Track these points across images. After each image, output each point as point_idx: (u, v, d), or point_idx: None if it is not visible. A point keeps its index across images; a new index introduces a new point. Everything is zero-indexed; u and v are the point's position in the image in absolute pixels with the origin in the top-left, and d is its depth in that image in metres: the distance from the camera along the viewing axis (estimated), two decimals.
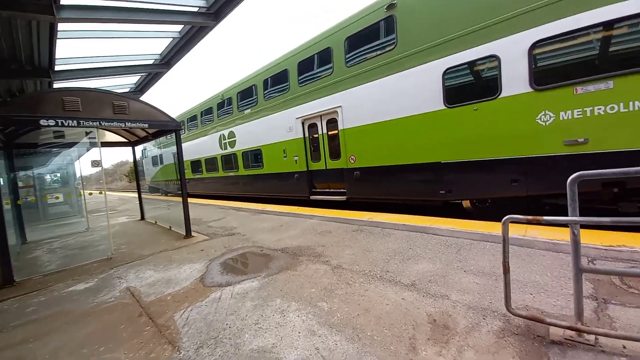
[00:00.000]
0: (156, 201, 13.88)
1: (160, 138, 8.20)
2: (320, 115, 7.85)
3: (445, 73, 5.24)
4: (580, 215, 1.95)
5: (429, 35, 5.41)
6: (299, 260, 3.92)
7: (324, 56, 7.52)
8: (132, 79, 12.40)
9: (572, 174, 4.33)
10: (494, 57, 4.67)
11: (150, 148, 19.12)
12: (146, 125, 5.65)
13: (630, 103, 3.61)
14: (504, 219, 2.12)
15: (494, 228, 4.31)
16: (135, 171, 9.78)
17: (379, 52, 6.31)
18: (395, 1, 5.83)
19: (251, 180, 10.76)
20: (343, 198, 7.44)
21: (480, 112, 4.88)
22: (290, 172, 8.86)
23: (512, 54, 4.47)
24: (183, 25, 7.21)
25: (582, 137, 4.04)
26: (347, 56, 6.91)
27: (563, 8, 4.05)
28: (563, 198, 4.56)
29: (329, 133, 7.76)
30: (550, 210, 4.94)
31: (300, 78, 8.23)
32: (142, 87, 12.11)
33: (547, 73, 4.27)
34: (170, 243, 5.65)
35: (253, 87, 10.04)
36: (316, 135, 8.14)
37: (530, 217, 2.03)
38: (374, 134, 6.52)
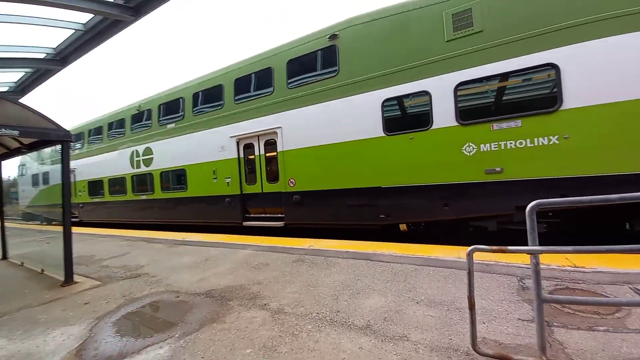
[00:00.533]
0: (32, 232, 10.58)
1: (46, 151, 6.29)
2: (258, 136, 7.33)
3: (384, 103, 5.48)
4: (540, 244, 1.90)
5: (370, 67, 5.69)
6: (228, 306, 3.12)
7: (264, 76, 7.22)
8: (13, 76, 9.72)
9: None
10: (426, 93, 5.10)
11: (32, 164, 15.06)
12: (16, 132, 4.15)
13: (535, 139, 4.28)
14: (469, 250, 1.96)
15: (432, 251, 4.37)
16: None
17: (321, 78, 6.34)
18: (337, 33, 6.04)
19: (171, 204, 9.19)
20: (280, 224, 6.85)
21: (416, 141, 5.18)
22: (220, 196, 7.85)
23: (441, 91, 4.96)
24: (93, 15, 5.93)
25: (499, 166, 4.57)
26: (289, 78, 6.76)
27: (477, 58, 4.70)
28: (486, 220, 5.01)
29: (267, 154, 7.25)
30: (474, 232, 5.39)
31: (237, 95, 7.67)
32: (24, 86, 9.55)
33: (469, 110, 4.84)
34: (38, 294, 4.02)
35: (180, 100, 8.92)
36: (252, 157, 7.51)
37: (495, 248, 1.91)
38: (315, 158, 6.31)
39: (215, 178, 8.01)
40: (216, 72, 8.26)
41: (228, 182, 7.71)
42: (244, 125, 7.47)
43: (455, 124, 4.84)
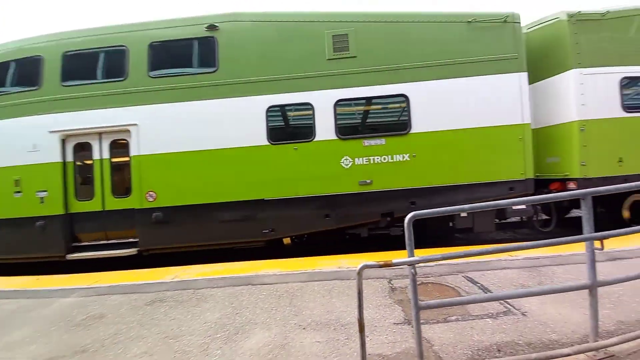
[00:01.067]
0: None
1: None
2: (101, 133, 5.47)
3: (269, 110, 5.21)
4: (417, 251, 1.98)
5: (255, 70, 5.30)
6: None
7: (114, 56, 5.54)
8: None
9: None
10: (310, 105, 5.18)
11: None
12: None
13: (395, 156, 5.07)
14: (358, 268, 1.82)
15: (315, 264, 4.32)
16: None
17: (195, 72, 5.43)
18: (217, 24, 5.35)
19: None
20: (132, 251, 5.24)
21: (300, 152, 5.15)
22: (26, 218, 5.30)
23: (323, 106, 5.16)
24: None
25: (369, 178, 5.11)
26: (152, 65, 5.43)
27: (352, 80, 5.17)
28: (359, 227, 5.45)
29: (114, 159, 5.50)
30: (350, 240, 5.82)
31: (66, 75, 5.52)
32: None
33: (346, 126, 5.24)
34: None
35: None
36: (89, 161, 5.52)
37: (382, 262, 1.86)
38: (185, 165, 5.23)
39: (19, 192, 5.37)
40: (34, 39, 5.72)
41: (42, 198, 5.30)
42: (75, 117, 5.41)
43: (335, 137, 5.13)
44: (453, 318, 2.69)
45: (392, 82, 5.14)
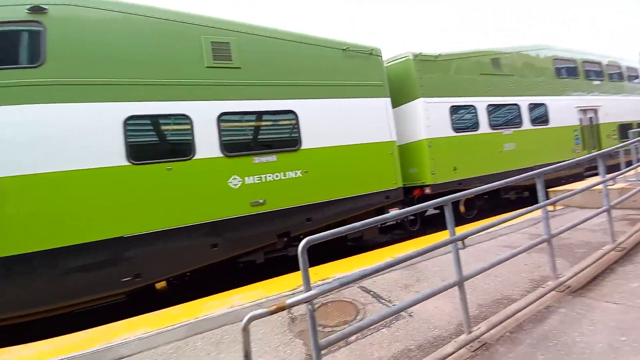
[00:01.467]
0: None
1: None
2: None
3: (128, 121, 4.09)
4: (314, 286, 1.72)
5: (105, 69, 4.12)
6: None
7: None
8: None
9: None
10: (186, 117, 4.41)
11: None
12: None
13: (287, 173, 4.90)
14: (244, 322, 1.39)
15: (200, 309, 3.52)
16: None
17: (6, 66, 3.77)
18: (46, 7, 3.90)
19: None
20: None
21: (175, 172, 4.24)
22: None
23: (203, 119, 4.49)
24: None
25: (261, 198, 4.72)
26: None
27: (237, 92, 4.78)
28: (254, 253, 4.94)
29: None
30: (244, 267, 5.20)
31: None
32: None
33: (233, 141, 4.72)
34: None
35: None
36: None
37: (273, 308, 1.49)
38: None
39: None
40: None
41: None
42: None
43: (220, 155, 4.52)
44: (353, 338, 2.59)
45: (280, 97, 5.04)
